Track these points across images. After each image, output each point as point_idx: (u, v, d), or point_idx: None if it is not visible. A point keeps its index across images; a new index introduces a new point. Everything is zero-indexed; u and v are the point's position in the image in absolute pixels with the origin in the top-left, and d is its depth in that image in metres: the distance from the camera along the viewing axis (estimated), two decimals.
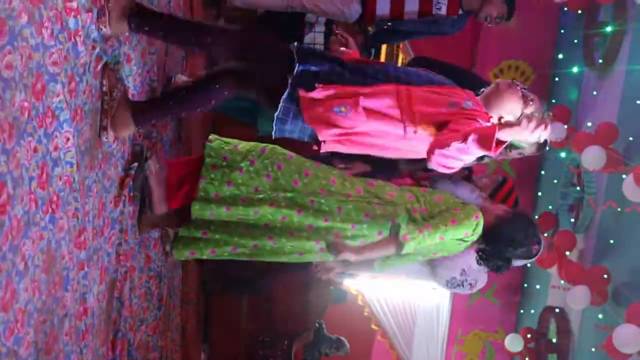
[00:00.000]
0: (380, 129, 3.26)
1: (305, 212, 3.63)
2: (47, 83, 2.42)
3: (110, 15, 3.01)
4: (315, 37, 6.41)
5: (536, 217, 7.93)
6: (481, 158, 3.70)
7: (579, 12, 7.92)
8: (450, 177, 4.13)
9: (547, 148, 3.97)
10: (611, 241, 6.75)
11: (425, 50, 8.65)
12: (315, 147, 3.38)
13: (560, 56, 8.36)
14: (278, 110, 3.24)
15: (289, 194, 3.63)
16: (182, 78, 4.50)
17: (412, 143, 3.30)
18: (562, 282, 7.02)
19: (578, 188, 7.53)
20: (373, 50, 6.69)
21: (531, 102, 3.50)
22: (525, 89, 3.51)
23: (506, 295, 8.81)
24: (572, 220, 7.54)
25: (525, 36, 8.32)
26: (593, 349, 6.55)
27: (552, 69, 8.50)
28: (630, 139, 6.52)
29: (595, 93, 7.55)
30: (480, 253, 3.90)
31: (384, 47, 9.98)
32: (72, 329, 2.78)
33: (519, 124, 2.97)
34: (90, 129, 2.91)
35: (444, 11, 5.42)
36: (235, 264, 4.06)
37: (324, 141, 3.31)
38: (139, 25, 3.18)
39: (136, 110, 3.23)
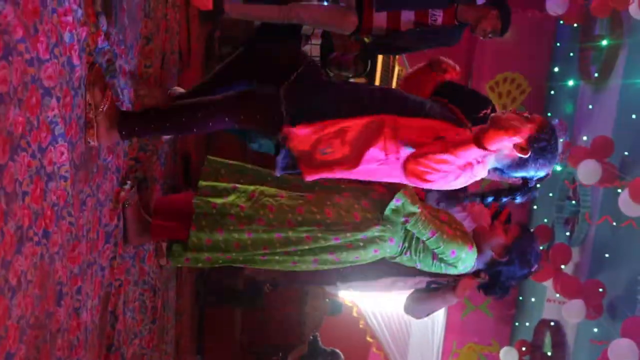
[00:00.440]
0: (362, 156, 3.22)
1: (300, 245, 3.63)
2: (42, 97, 2.41)
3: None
4: (311, 50, 6.43)
5: (531, 230, 7.92)
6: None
7: (575, 25, 7.95)
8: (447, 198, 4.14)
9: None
10: (606, 255, 6.74)
11: (421, 62, 8.67)
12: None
13: (556, 69, 8.38)
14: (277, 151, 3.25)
15: (283, 234, 3.61)
16: (178, 90, 4.49)
17: (393, 167, 3.26)
18: (558, 295, 7.01)
19: (574, 202, 7.53)
20: (369, 62, 6.71)
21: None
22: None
23: (501, 308, 8.80)
24: (568, 233, 7.54)
25: (521, 49, 8.36)
26: None
27: (547, 82, 8.52)
28: (626, 153, 6.52)
29: (591, 107, 7.56)
30: (482, 286, 3.94)
31: (380, 58, 10.02)
32: (65, 344, 2.76)
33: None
34: (85, 143, 2.90)
35: (439, 22, 5.45)
36: (229, 276, 4.06)
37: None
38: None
39: (123, 120, 3.17)
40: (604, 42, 7.24)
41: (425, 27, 5.44)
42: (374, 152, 3.20)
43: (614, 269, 6.58)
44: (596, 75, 7.40)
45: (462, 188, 3.67)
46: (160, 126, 3.33)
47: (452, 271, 3.73)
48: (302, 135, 3.17)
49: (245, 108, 3.26)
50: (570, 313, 6.56)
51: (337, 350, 7.68)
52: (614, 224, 6.38)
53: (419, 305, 4.45)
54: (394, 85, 12.48)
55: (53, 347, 2.63)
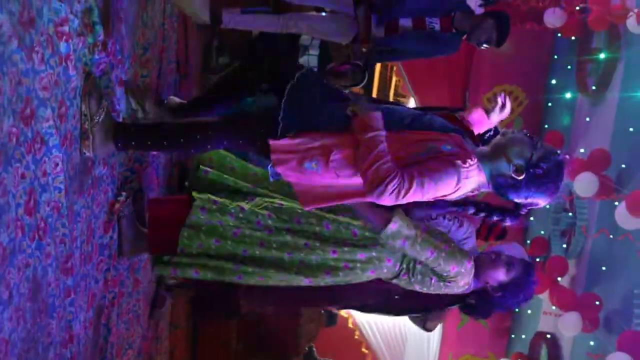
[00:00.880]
0: (350, 181, 3.10)
1: (296, 252, 3.59)
2: (37, 108, 2.39)
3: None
4: (309, 61, 6.41)
5: (528, 242, 7.92)
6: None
7: (573, 38, 7.95)
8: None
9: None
10: (603, 268, 6.73)
11: (418, 74, 8.67)
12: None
13: (554, 82, 8.38)
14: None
15: (281, 239, 3.59)
16: (174, 100, 4.48)
17: None
18: (554, 308, 6.99)
19: (570, 214, 7.52)
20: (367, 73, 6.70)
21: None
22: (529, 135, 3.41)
23: (497, 320, 8.76)
24: (564, 246, 7.53)
25: (518, 61, 8.36)
26: None
27: (545, 95, 8.52)
28: (623, 166, 6.52)
29: (588, 119, 7.56)
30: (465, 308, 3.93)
31: (377, 70, 10.02)
32: (57, 357, 2.73)
33: None
34: (80, 154, 2.88)
35: (437, 29, 5.47)
36: (222, 291, 4.03)
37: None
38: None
39: (118, 131, 3.12)
40: (602, 55, 7.25)
41: (423, 31, 5.45)
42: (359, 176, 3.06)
43: (610, 282, 6.57)
44: (594, 88, 7.40)
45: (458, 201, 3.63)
46: (157, 143, 3.28)
47: (452, 288, 3.69)
48: (283, 145, 3.08)
49: (243, 132, 3.22)
50: (567, 326, 6.55)
51: None
52: (611, 236, 6.37)
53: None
54: (391, 94, 12.50)
55: None
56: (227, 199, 3.70)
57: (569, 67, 8.03)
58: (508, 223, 3.53)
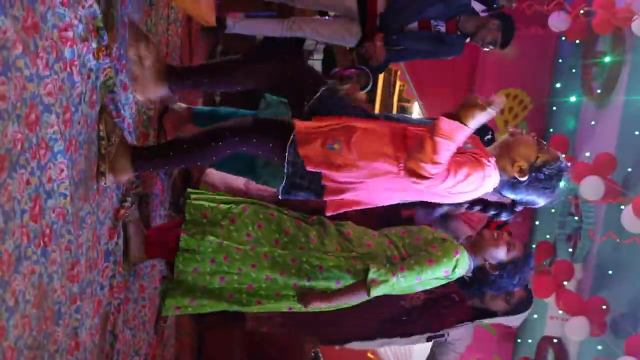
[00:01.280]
0: (371, 167, 3.15)
1: (287, 272, 3.55)
2: (42, 114, 2.37)
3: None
4: (313, 65, 6.41)
5: (533, 246, 7.90)
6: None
7: (577, 42, 7.94)
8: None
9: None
10: (609, 272, 6.70)
11: (423, 78, 8.67)
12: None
13: (558, 85, 8.36)
14: (286, 166, 3.16)
15: (270, 254, 3.57)
16: (181, 106, 4.47)
17: (405, 182, 3.18)
18: (560, 312, 6.96)
19: (576, 218, 7.50)
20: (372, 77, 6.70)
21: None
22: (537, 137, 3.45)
23: (503, 325, 8.72)
24: (570, 250, 7.50)
25: (523, 65, 8.35)
26: None
27: (549, 98, 8.50)
28: (629, 169, 6.50)
29: (593, 123, 7.54)
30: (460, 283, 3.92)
31: (381, 75, 10.01)
32: None
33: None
34: (85, 160, 2.87)
35: (443, 31, 5.48)
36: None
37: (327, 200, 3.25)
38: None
39: (135, 156, 3.19)
40: (607, 59, 7.23)
41: (429, 32, 5.47)
42: (384, 165, 3.14)
43: (617, 286, 6.55)
44: (599, 91, 7.39)
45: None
46: (173, 161, 3.41)
47: (458, 275, 3.68)
48: (307, 126, 3.13)
49: (258, 131, 3.24)
50: (574, 330, 6.53)
51: None
52: (617, 240, 6.35)
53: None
54: (395, 99, 12.49)
55: None
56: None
57: (573, 70, 8.02)
58: (503, 218, 3.57)
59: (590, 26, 7.31)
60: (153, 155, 3.30)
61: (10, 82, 2.11)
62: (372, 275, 3.43)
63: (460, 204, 3.57)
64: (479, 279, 3.77)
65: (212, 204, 3.59)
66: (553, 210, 7.94)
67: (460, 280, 3.82)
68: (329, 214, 3.30)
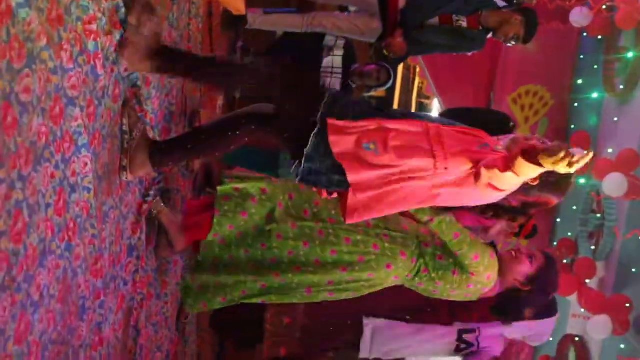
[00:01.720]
0: (409, 165, 3.03)
1: (312, 244, 3.54)
2: (66, 107, 2.36)
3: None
4: (333, 61, 6.36)
5: (555, 243, 7.83)
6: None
7: (599, 37, 7.85)
8: None
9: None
10: (633, 270, 6.63)
11: (442, 75, 8.61)
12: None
13: (580, 82, 8.28)
14: (308, 147, 3.03)
15: (298, 223, 3.55)
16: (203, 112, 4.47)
17: (441, 180, 3.06)
18: (582, 310, 6.90)
19: (598, 215, 7.42)
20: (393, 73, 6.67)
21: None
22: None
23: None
24: (592, 247, 7.43)
25: (544, 61, 8.26)
26: None
27: (571, 95, 8.42)
28: None
29: (616, 119, 7.45)
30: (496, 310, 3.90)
31: (400, 71, 9.97)
32: None
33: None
34: (109, 154, 2.85)
35: (464, 27, 5.44)
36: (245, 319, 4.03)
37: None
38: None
39: (154, 151, 3.16)
40: (630, 54, 7.15)
41: (450, 27, 5.42)
42: (422, 162, 3.03)
43: None
44: (621, 87, 7.30)
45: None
46: (190, 153, 3.39)
47: (477, 284, 3.63)
48: (341, 125, 3.02)
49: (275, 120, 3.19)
50: (596, 329, 6.45)
51: None
52: None
53: None
54: (414, 96, 12.44)
55: None
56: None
57: (595, 66, 7.92)
58: (519, 222, 3.51)
59: (612, 21, 7.23)
60: (171, 149, 3.27)
61: (35, 75, 2.09)
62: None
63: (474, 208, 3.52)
64: (512, 300, 3.76)
65: (242, 184, 3.60)
66: (575, 208, 7.86)
67: (496, 308, 3.82)
68: (349, 221, 3.22)
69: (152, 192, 3.43)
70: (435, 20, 5.41)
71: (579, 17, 7.51)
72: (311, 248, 3.54)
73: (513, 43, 5.44)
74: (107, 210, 2.86)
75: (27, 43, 2.03)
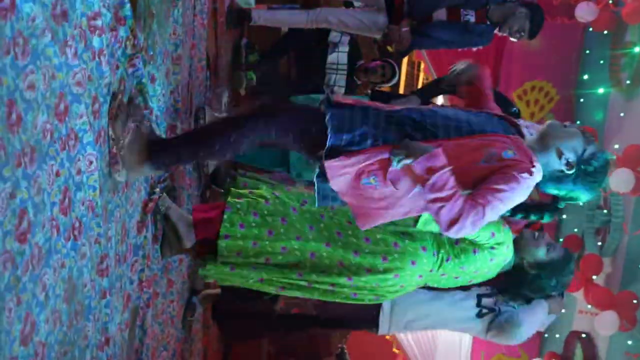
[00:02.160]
0: (409, 192, 2.94)
1: (334, 245, 3.51)
2: (71, 104, 2.32)
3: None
4: (339, 57, 6.34)
5: (561, 239, 7.80)
6: None
7: (605, 32, 7.81)
8: None
9: None
10: None
11: (447, 71, 8.57)
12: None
13: (586, 77, 8.24)
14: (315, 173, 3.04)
15: (315, 226, 3.52)
16: (213, 115, 4.44)
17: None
18: (589, 306, 6.87)
19: (605, 211, 7.39)
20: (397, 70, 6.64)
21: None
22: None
23: None
24: (599, 243, 7.40)
25: (549, 57, 8.22)
26: None
27: (577, 90, 8.38)
28: None
29: (622, 115, 7.42)
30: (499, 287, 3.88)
31: (404, 67, 9.93)
32: None
33: None
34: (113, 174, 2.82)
35: (472, 21, 5.42)
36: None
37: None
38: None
39: (152, 151, 2.99)
40: (636, 49, 7.11)
41: (458, 22, 5.40)
42: (417, 186, 2.90)
43: None
44: (628, 82, 7.26)
45: None
46: (192, 154, 3.23)
47: (498, 257, 3.61)
48: (338, 166, 2.93)
49: (283, 120, 3.10)
50: (603, 325, 6.43)
51: None
52: None
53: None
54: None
55: None
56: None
57: (601, 61, 7.88)
58: (546, 221, 3.47)
59: (618, 16, 7.20)
60: (174, 148, 3.11)
61: (39, 71, 2.06)
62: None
63: None
64: (517, 278, 3.74)
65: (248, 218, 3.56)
66: (581, 204, 7.82)
67: (499, 283, 3.79)
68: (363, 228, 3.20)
69: (157, 190, 3.40)
70: (443, 14, 5.38)
71: (585, 12, 7.48)
72: (333, 249, 3.51)
73: (518, 37, 5.41)
74: (113, 208, 2.83)
75: (31, 39, 1.99)
